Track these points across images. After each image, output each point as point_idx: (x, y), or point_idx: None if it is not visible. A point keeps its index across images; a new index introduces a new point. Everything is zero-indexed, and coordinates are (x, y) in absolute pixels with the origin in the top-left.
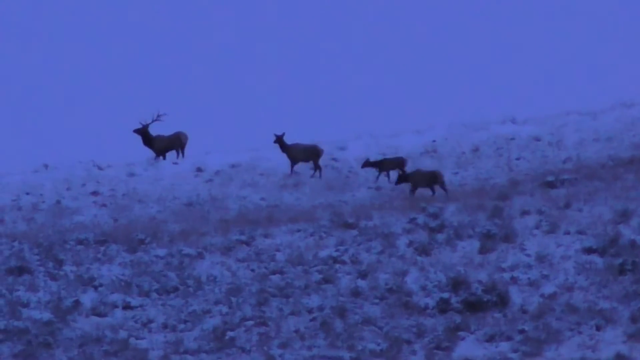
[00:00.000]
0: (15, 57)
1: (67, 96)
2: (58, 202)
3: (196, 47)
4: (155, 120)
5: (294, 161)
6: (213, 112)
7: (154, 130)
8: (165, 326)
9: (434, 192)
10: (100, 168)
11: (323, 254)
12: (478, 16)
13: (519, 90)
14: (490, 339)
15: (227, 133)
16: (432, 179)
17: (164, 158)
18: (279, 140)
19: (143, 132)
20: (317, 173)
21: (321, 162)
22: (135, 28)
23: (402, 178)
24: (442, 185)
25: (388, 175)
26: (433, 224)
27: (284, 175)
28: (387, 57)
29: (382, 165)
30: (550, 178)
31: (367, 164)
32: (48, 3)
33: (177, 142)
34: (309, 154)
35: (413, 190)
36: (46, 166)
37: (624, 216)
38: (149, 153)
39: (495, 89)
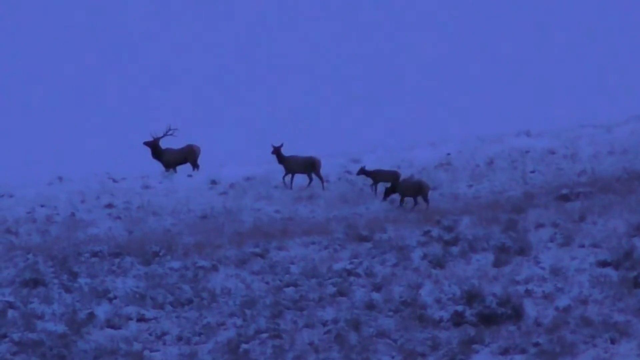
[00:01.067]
0: (31, 69)
1: (81, 109)
2: (72, 214)
3: (212, 59)
4: (167, 134)
5: (290, 172)
6: (227, 125)
7: (166, 143)
8: (179, 339)
9: (416, 202)
10: (114, 180)
11: (337, 266)
12: (493, 29)
13: (534, 104)
14: (505, 352)
15: (242, 146)
16: (418, 190)
17: (175, 171)
18: (277, 151)
19: (153, 145)
20: (320, 183)
21: (335, 174)
22: (152, 39)
23: (390, 190)
24: (425, 197)
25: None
26: (447, 236)
27: (299, 188)
28: (401, 70)
29: (375, 176)
30: (565, 191)
31: (362, 171)
32: (64, 15)
33: (190, 155)
34: (307, 165)
35: (402, 199)
36: (61, 179)
37: (639, 229)
38: (161, 166)
39: (509, 102)
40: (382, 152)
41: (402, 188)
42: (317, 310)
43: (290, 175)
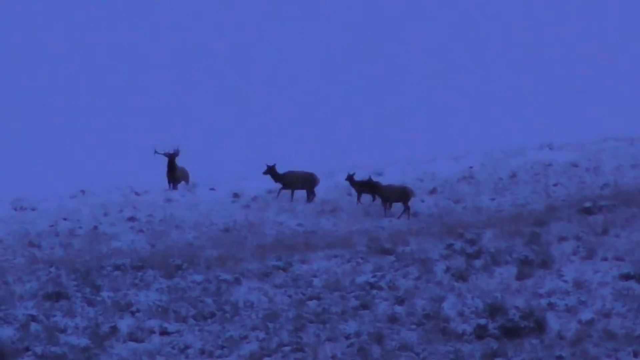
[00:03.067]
0: (53, 84)
1: (104, 122)
2: (95, 227)
3: (236, 75)
4: (158, 153)
5: (290, 188)
6: (250, 139)
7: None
8: (202, 352)
9: (406, 207)
10: (137, 194)
11: (360, 279)
12: (515, 43)
13: (556, 116)
14: None
15: (264, 159)
16: (403, 195)
17: (175, 188)
18: (271, 170)
19: (171, 160)
20: (312, 198)
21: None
22: (173, 54)
23: (373, 188)
24: (406, 202)
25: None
26: (470, 249)
27: (322, 201)
28: (424, 83)
29: (355, 186)
30: (587, 204)
31: (348, 179)
32: (84, 31)
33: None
34: (307, 181)
35: (388, 205)
36: (83, 192)
37: None
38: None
39: (532, 115)
40: (405, 165)
41: (386, 193)
42: (339, 324)
43: (287, 189)
